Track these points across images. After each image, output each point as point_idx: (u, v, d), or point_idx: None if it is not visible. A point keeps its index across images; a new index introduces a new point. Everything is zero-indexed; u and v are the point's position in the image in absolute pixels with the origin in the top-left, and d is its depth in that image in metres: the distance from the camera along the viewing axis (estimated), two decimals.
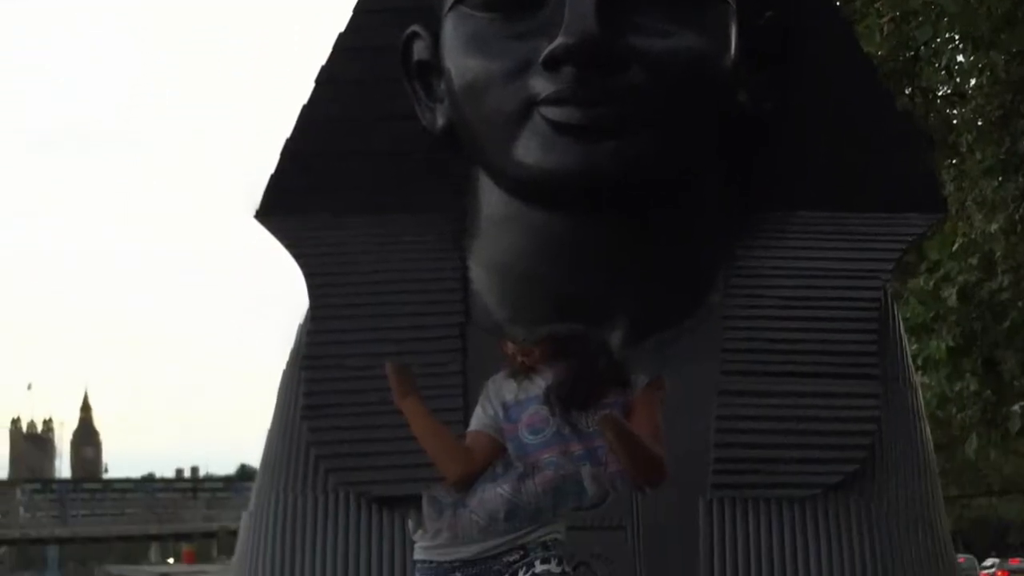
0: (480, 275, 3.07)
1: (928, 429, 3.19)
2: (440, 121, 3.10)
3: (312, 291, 3.11)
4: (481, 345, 2.86)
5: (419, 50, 3.15)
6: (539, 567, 2.56)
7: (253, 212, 3.22)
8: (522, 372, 2.50)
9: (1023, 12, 9.59)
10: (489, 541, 2.57)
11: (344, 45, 3.28)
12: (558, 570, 2.59)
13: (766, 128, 3.08)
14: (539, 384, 2.50)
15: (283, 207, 3.20)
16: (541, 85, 2.76)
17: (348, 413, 2.95)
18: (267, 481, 3.14)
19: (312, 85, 3.28)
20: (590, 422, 2.45)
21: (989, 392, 11.01)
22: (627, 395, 2.51)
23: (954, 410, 11.37)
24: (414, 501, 2.63)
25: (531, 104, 2.79)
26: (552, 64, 2.71)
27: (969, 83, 11.32)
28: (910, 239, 3.25)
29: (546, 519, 2.62)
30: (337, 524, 2.96)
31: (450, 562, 2.58)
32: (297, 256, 3.14)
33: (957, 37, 10.42)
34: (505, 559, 2.57)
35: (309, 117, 3.26)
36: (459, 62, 2.93)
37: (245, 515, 3.33)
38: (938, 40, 10.42)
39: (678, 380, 2.51)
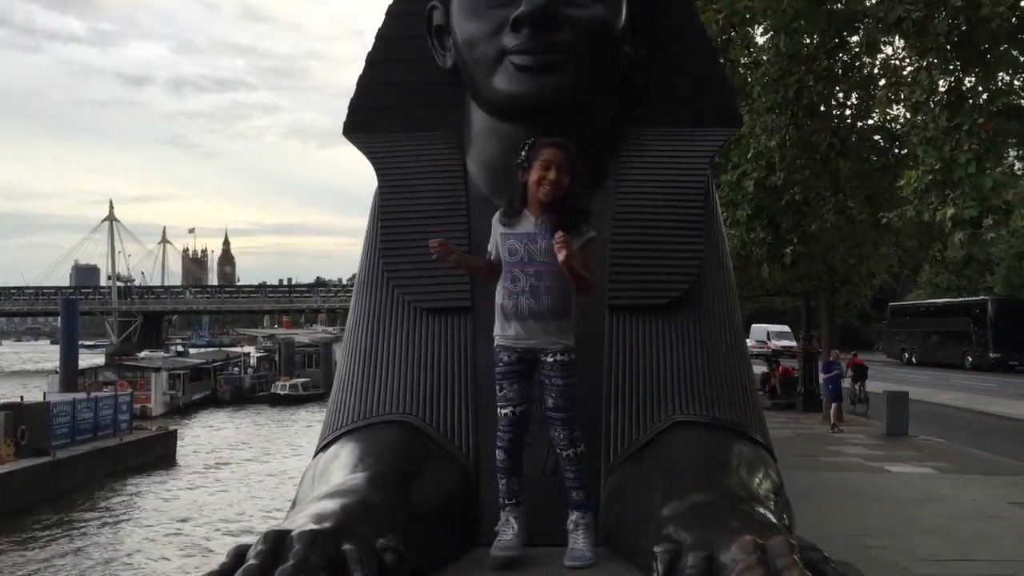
0: (473, 168, 4.17)
1: (731, 263, 4.48)
2: (448, 63, 4.23)
3: (380, 177, 4.25)
4: (474, 206, 4.03)
5: (437, 17, 4.31)
6: None
7: (342, 130, 4.41)
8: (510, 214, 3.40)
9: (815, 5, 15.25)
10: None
11: (393, 11, 4.55)
12: None
13: (639, 71, 4.23)
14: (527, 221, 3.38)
15: (358, 125, 4.43)
16: (509, 40, 3.80)
17: (407, 248, 3.98)
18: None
19: (374, 40, 4.53)
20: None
21: (771, 240, 16.90)
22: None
23: (752, 250, 17.22)
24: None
25: (503, 53, 3.84)
26: (516, 25, 3.75)
27: (763, 57, 18.11)
28: (721, 143, 4.43)
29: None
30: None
31: None
32: (370, 158, 4.30)
33: (760, 28, 17.18)
34: None
35: (370, 60, 4.48)
36: (460, 24, 4.06)
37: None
38: (747, 28, 17.05)
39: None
